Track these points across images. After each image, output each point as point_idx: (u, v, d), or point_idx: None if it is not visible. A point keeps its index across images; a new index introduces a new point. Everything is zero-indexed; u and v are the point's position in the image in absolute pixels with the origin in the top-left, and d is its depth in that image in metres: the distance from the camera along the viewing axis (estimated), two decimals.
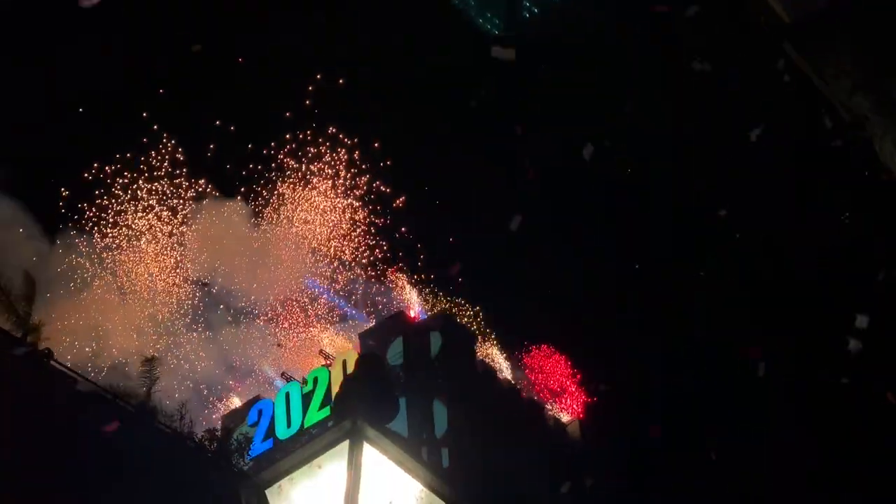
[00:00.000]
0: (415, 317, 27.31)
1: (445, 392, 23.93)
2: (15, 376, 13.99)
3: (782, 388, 24.67)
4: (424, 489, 5.72)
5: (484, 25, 52.31)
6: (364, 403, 6.08)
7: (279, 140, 30.78)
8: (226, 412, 24.84)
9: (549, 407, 30.05)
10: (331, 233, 30.15)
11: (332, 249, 30.10)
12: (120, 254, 28.84)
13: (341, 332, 28.69)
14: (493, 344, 29.21)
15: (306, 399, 19.13)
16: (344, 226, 30.18)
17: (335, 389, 19.68)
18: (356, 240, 30.20)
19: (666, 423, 26.97)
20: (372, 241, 30.12)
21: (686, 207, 28.42)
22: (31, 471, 12.69)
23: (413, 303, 28.11)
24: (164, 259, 29.30)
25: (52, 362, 15.00)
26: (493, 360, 28.84)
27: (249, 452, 15.53)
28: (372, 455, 5.67)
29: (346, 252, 30.08)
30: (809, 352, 23.48)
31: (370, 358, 6.77)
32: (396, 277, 29.14)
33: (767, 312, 25.67)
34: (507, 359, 29.70)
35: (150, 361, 15.29)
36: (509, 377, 29.39)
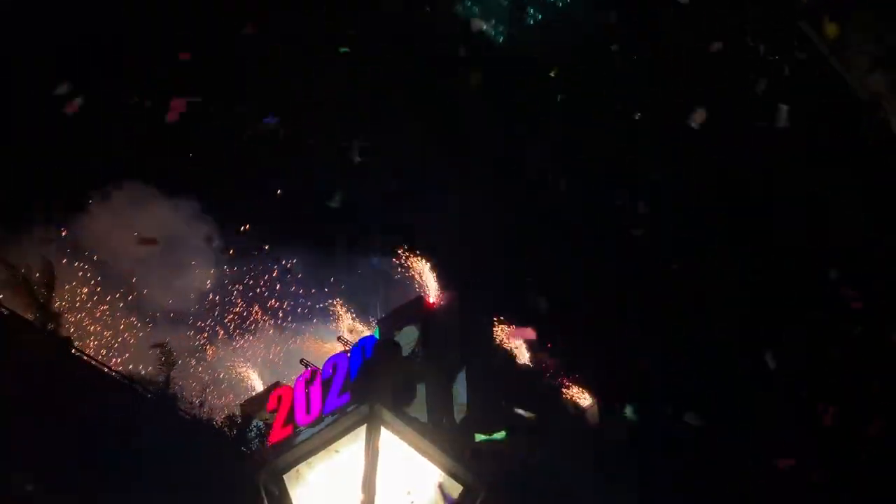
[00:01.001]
0: (433, 302, 27.33)
1: (464, 377, 23.97)
2: (37, 363, 14.07)
3: (783, 387, 24.61)
4: (443, 474, 5.70)
5: (488, 32, 52.03)
6: (382, 388, 6.07)
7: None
8: (245, 399, 24.90)
9: (566, 391, 30.05)
10: None
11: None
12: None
13: (359, 319, 28.76)
14: (510, 329, 29.22)
15: (325, 385, 19.19)
16: None
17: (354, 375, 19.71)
18: None
19: (665, 421, 26.93)
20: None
21: (686, 206, 28.28)
22: (54, 455, 12.78)
23: (431, 288, 28.12)
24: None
25: (73, 350, 15.08)
26: (511, 345, 28.84)
27: (269, 438, 15.58)
28: (390, 439, 5.66)
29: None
30: (811, 352, 23.38)
31: (388, 344, 6.74)
32: (414, 263, 29.16)
33: (768, 312, 25.55)
34: (525, 343, 29.70)
35: (161, 347, 15.32)
36: (528, 362, 29.39)
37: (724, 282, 26.75)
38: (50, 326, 15.50)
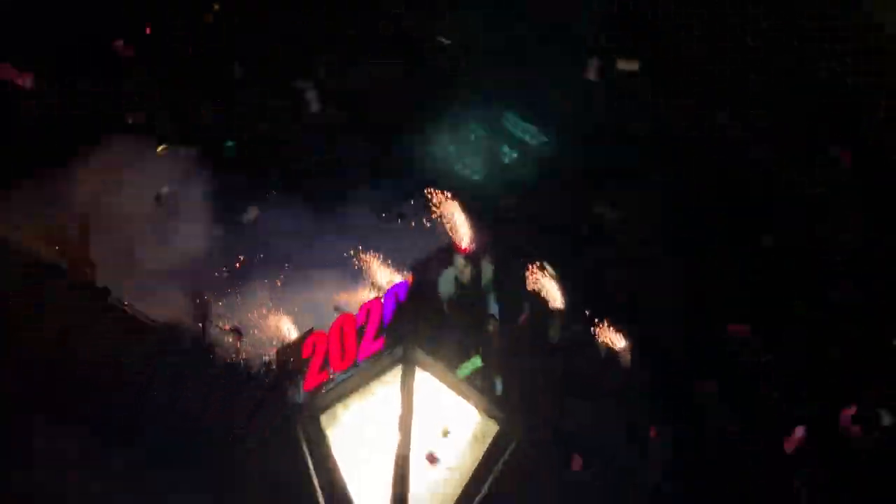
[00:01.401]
0: (466, 248, 27.27)
1: (497, 320, 23.98)
2: (75, 312, 14.21)
3: (783, 386, 24.39)
4: (478, 413, 5.71)
5: (462, 171, 50.76)
6: (415, 332, 6.07)
7: None
8: (279, 346, 25.00)
9: (598, 334, 30.00)
10: None
11: None
12: None
13: (391, 264, 28.78)
14: (543, 273, 29.12)
15: (360, 331, 19.21)
16: None
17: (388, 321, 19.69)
18: None
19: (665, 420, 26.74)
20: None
21: (686, 206, 27.85)
22: (93, 407, 12.95)
23: (464, 233, 28.06)
24: None
25: (109, 300, 15.19)
26: (544, 288, 28.78)
27: (304, 384, 15.63)
28: (425, 379, 5.66)
29: None
30: (810, 352, 23.16)
31: (421, 289, 6.73)
32: (443, 206, 29.07)
33: (768, 311, 25.25)
34: (559, 288, 29.60)
35: (197, 296, 15.37)
36: (560, 306, 29.33)
37: (724, 282, 26.46)
38: (88, 276, 15.59)
